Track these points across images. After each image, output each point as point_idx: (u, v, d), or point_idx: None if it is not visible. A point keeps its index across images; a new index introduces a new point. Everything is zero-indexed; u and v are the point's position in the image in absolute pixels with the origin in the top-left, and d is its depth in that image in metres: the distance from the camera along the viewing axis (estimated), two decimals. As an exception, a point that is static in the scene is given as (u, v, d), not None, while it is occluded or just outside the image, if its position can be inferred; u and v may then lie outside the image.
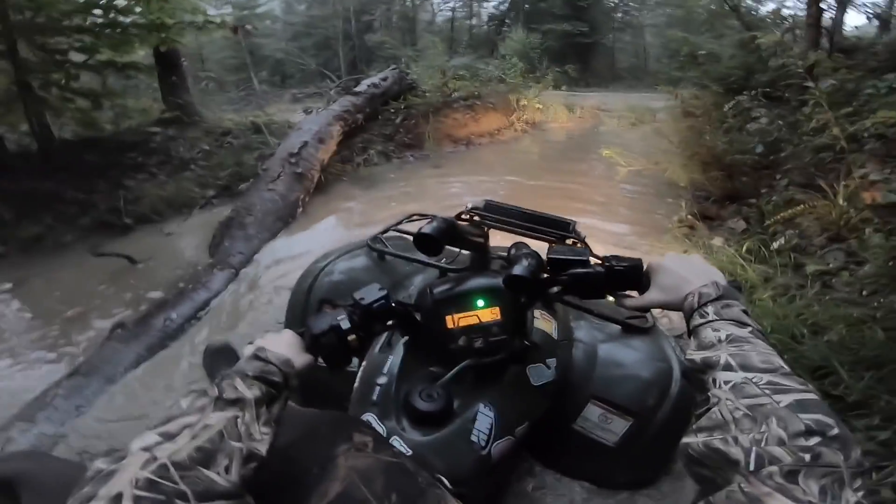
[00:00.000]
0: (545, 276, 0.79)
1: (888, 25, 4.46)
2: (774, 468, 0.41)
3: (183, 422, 0.51)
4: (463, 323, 0.81)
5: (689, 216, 3.16)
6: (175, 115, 5.38)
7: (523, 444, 0.90)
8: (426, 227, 0.79)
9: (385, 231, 1.44)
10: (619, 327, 1.21)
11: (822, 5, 4.30)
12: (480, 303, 0.82)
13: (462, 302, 0.82)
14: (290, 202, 3.57)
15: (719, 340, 0.58)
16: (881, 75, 3.30)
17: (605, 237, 3.06)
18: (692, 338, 0.63)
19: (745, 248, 2.36)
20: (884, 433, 1.42)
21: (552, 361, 0.95)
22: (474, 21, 16.12)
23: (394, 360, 0.85)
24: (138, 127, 5.19)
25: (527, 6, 14.35)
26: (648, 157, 4.08)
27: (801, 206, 2.51)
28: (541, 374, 0.91)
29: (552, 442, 1.10)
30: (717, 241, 2.90)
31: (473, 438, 0.76)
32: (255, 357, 0.64)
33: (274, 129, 5.57)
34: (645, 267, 0.75)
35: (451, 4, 15.74)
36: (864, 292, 1.95)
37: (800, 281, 2.22)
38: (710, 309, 0.62)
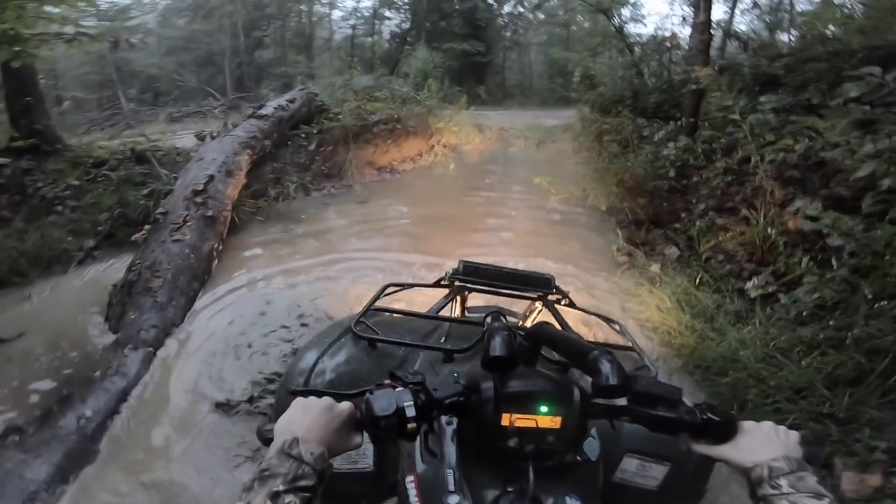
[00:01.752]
0: (626, 404, 0.78)
1: (747, 46, 5.18)
2: None
3: None
4: (519, 424, 0.77)
5: (626, 243, 3.31)
6: (31, 143, 4.38)
7: None
8: (495, 347, 0.76)
9: (365, 311, 1.30)
10: None
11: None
12: (544, 409, 0.78)
13: (525, 403, 0.78)
14: (204, 254, 3.01)
15: None
16: (748, 95, 3.72)
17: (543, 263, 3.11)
18: None
19: (697, 279, 2.50)
20: (882, 442, 1.60)
21: (594, 431, 0.95)
22: (375, 38, 15.91)
23: (452, 461, 0.79)
24: (-26, 159, 4.15)
25: (428, 25, 14.54)
26: (566, 182, 4.26)
27: (730, 233, 2.75)
28: (593, 448, 0.91)
29: None
30: (655, 268, 3.07)
31: None
32: (286, 454, 0.59)
33: (161, 158, 4.83)
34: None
35: (351, 22, 15.37)
36: (806, 313, 2.16)
37: (746, 305, 2.41)
38: (783, 482, 0.67)
